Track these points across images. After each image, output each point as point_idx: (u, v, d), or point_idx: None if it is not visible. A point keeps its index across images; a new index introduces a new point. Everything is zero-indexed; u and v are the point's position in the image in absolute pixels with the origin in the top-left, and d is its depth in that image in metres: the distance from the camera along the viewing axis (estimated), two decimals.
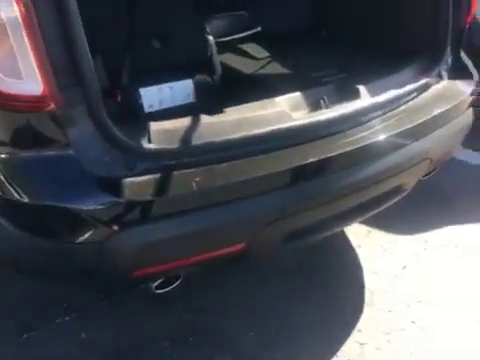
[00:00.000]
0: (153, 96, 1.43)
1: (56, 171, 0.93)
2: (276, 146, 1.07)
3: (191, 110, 1.41)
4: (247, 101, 1.19)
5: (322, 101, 1.21)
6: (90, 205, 0.93)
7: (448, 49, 1.42)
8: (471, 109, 1.47)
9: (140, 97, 1.41)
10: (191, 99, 1.50)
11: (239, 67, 1.63)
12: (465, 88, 1.44)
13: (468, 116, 1.46)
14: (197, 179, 0.97)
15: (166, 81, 1.43)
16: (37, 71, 0.85)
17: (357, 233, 1.76)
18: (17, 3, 0.84)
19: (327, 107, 1.19)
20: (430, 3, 1.37)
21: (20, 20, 0.84)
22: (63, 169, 0.93)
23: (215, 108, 1.17)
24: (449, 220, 1.87)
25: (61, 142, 0.93)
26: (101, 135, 0.94)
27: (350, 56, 1.47)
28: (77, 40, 0.89)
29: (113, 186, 0.94)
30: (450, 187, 2.05)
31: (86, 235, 0.96)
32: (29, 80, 0.86)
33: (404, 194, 1.38)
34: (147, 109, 1.42)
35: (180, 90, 1.48)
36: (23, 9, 0.84)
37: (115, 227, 0.96)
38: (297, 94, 1.24)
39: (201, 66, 1.54)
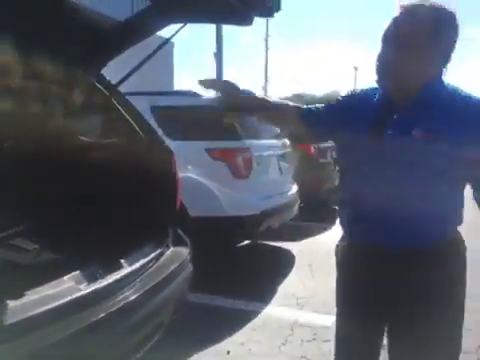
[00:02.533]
0: None
1: None
2: (74, 311, 1.49)
3: None
4: (30, 284, 1.57)
5: (98, 274, 1.73)
6: None
7: (170, 229, 2.25)
8: (191, 263, 2.27)
9: None
10: None
11: (14, 259, 1.95)
12: (185, 251, 2.25)
13: (190, 268, 2.24)
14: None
15: None
16: None
17: None
18: None
19: (102, 278, 1.72)
20: (155, 210, 2.20)
21: None
22: None
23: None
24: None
25: None
26: None
27: (109, 236, 2.06)
28: None
29: None
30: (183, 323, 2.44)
31: None
32: None
33: (162, 329, 1.96)
34: None
35: None
36: None
37: None
38: (77, 272, 1.71)
39: None
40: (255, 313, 3.09)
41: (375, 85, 1.37)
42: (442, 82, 1.30)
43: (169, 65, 17.54)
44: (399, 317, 1.36)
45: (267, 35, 30.18)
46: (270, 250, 4.70)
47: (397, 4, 1.29)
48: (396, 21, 1.26)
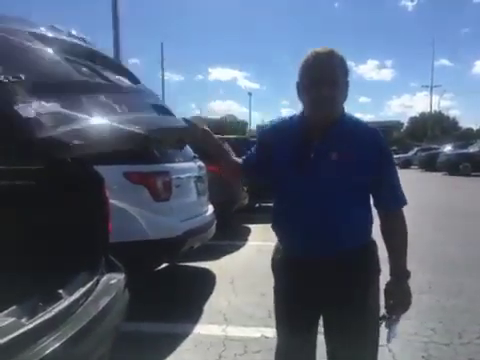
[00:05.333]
0: None
1: None
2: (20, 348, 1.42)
3: None
4: None
5: (39, 307, 1.65)
6: None
7: (103, 257, 2.21)
8: (127, 288, 2.25)
9: None
10: None
11: None
12: (120, 276, 2.23)
13: (126, 293, 2.22)
14: None
15: None
16: None
17: None
18: None
19: (44, 310, 1.64)
20: (86, 237, 2.16)
21: None
22: None
23: None
24: None
25: None
26: None
27: (42, 267, 1.96)
28: None
29: None
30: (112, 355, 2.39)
31: None
32: None
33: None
34: None
35: None
36: None
37: None
38: (14, 307, 1.62)
39: None
40: (185, 334, 3.11)
41: (287, 115, 1.67)
42: (345, 113, 1.60)
43: None
44: (334, 308, 1.58)
45: (162, 57, 30.31)
46: (190, 271, 4.73)
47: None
48: (322, 64, 1.49)
